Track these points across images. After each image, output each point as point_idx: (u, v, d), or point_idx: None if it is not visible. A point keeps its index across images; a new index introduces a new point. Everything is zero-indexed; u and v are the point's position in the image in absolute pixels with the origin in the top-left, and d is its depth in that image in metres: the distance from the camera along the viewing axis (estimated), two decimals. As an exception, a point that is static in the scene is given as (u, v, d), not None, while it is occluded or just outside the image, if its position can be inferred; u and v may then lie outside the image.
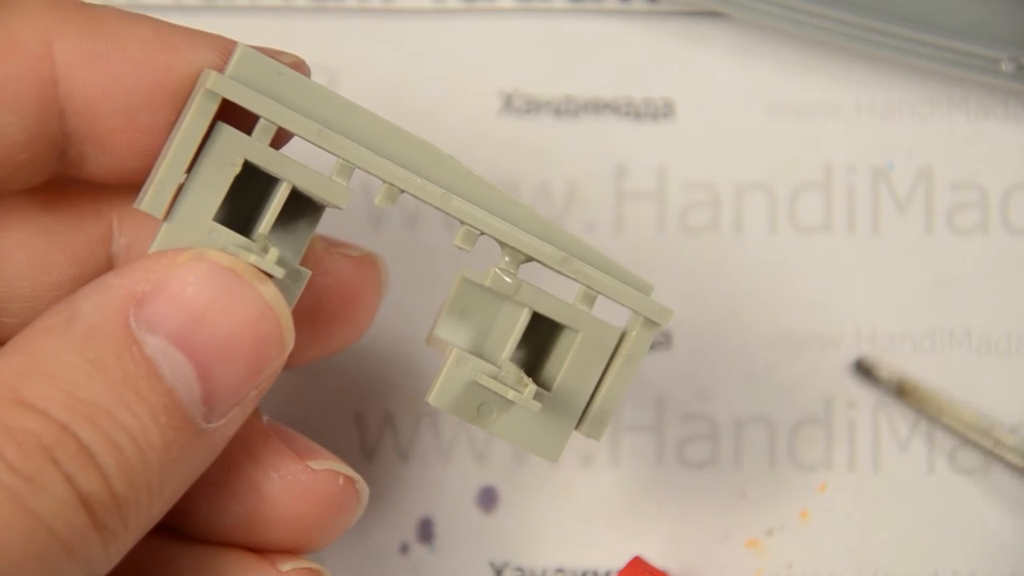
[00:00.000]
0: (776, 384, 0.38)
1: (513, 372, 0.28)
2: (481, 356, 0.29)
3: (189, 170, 0.27)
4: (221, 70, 0.28)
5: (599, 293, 0.29)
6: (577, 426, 0.30)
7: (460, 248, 0.29)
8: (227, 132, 0.27)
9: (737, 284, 0.39)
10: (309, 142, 0.28)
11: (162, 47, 0.28)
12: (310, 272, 0.29)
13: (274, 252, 0.27)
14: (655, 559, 0.38)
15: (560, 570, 0.38)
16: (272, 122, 0.27)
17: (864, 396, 0.38)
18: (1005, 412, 0.38)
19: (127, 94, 0.28)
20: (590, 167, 0.39)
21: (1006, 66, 0.37)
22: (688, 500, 0.38)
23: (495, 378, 0.28)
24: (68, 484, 0.24)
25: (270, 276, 0.27)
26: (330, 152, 0.28)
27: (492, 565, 0.38)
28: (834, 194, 0.39)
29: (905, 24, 0.37)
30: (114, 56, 0.28)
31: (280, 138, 0.28)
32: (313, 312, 0.31)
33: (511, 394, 0.28)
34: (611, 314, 0.30)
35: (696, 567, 0.38)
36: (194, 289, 0.26)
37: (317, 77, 0.41)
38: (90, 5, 0.28)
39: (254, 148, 0.27)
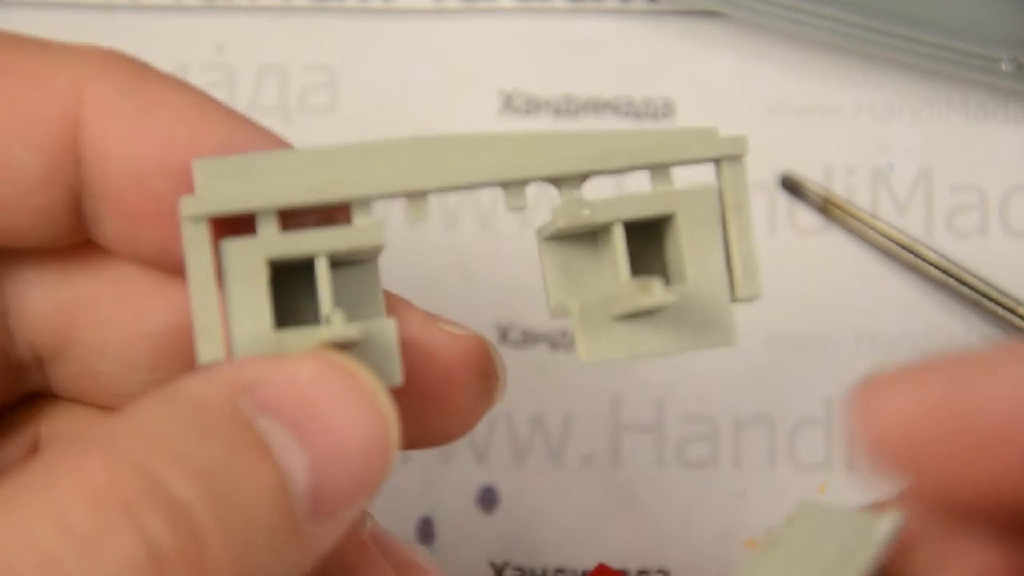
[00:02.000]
0: (776, 384, 0.38)
1: (633, 285, 0.26)
2: (603, 294, 0.27)
3: (222, 294, 0.26)
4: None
5: (666, 164, 0.27)
6: (733, 297, 0.27)
7: (515, 208, 0.27)
8: (234, 246, 0.26)
9: (737, 284, 0.39)
10: (306, 206, 0.26)
11: (189, 119, 0.27)
12: (392, 321, 0.27)
13: (350, 324, 0.25)
14: (655, 559, 0.38)
15: (560, 570, 0.38)
16: (265, 209, 0.26)
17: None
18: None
19: (141, 158, 0.26)
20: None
21: (1006, 66, 0.37)
22: (688, 500, 0.38)
23: (621, 301, 0.26)
24: (143, 544, 0.22)
25: (352, 345, 0.25)
26: (331, 203, 0.26)
27: (492, 565, 0.38)
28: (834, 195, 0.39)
29: (905, 24, 0.37)
30: (138, 114, 0.26)
31: (289, 216, 0.27)
32: (403, 396, 0.27)
33: (644, 301, 0.25)
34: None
35: (696, 567, 0.38)
36: (308, 381, 0.24)
37: (317, 77, 0.41)
38: (138, 61, 0.27)
39: (268, 244, 0.26)
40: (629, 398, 0.38)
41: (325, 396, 0.24)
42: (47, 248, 0.28)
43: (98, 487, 0.22)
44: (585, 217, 0.27)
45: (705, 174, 0.28)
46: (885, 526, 0.25)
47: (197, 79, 0.40)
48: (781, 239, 0.39)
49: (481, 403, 0.29)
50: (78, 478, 0.22)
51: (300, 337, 0.26)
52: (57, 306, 0.28)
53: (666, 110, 0.39)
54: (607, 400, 0.39)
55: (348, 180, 0.26)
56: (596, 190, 0.27)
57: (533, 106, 0.39)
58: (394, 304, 0.28)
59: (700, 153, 0.27)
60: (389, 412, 0.25)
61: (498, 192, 0.27)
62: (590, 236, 0.28)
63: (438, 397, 0.28)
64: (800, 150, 0.39)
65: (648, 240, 0.28)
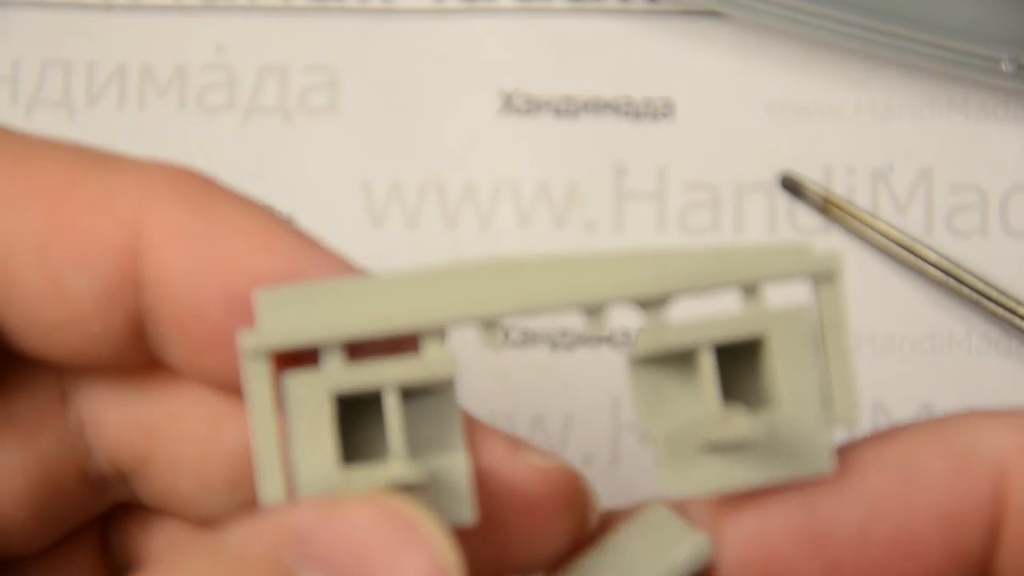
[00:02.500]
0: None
1: (720, 413, 0.25)
2: (689, 422, 0.26)
3: (283, 428, 0.25)
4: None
5: (756, 282, 0.25)
6: (832, 422, 0.26)
7: (595, 336, 0.27)
8: (297, 380, 0.24)
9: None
10: (371, 337, 0.25)
11: (253, 245, 0.25)
12: (465, 459, 0.25)
13: (414, 467, 0.24)
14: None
15: (560, 570, 0.38)
16: (328, 342, 0.25)
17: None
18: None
19: (201, 288, 0.25)
20: (590, 167, 0.39)
21: (1006, 66, 0.37)
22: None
23: (706, 433, 0.25)
24: None
25: (416, 488, 0.24)
26: (399, 333, 0.25)
27: (492, 565, 0.38)
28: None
29: (905, 24, 0.37)
30: (200, 241, 0.25)
31: (356, 345, 0.25)
32: (483, 530, 0.26)
33: (728, 436, 0.24)
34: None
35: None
36: (362, 531, 0.23)
37: (317, 77, 0.41)
38: (203, 178, 0.26)
39: (333, 378, 0.24)
40: (629, 398, 0.38)
41: (379, 547, 0.23)
42: (114, 367, 0.27)
43: None
44: (670, 342, 0.25)
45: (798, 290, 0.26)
46: (683, 551, 0.25)
47: (197, 79, 0.40)
48: (781, 239, 0.39)
49: (570, 536, 0.27)
50: None
51: (366, 476, 0.24)
52: (134, 421, 0.28)
53: (666, 110, 0.39)
54: (607, 400, 0.38)
55: (415, 308, 0.25)
56: (684, 308, 0.26)
57: (533, 106, 0.39)
58: (474, 431, 0.26)
59: (792, 271, 0.25)
60: (450, 561, 0.23)
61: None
62: (680, 357, 0.26)
63: (521, 531, 0.27)
64: (800, 150, 0.39)
65: (740, 358, 0.26)
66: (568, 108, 0.39)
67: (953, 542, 0.24)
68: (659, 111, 0.39)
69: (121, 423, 0.28)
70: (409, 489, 0.24)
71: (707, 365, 0.25)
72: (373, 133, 0.39)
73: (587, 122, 0.39)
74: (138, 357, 0.27)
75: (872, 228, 0.39)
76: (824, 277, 0.25)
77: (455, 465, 0.25)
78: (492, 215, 0.39)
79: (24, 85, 0.40)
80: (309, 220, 0.39)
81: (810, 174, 0.39)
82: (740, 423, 0.24)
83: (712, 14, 0.39)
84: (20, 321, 0.26)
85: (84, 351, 0.26)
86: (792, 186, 0.39)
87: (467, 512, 0.25)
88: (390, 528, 0.23)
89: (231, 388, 0.26)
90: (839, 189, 0.39)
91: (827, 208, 0.39)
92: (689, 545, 0.25)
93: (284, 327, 0.24)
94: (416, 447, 0.25)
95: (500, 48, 0.39)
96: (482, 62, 0.39)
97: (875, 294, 0.39)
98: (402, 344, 0.25)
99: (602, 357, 0.38)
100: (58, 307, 0.25)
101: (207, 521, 0.28)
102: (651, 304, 0.25)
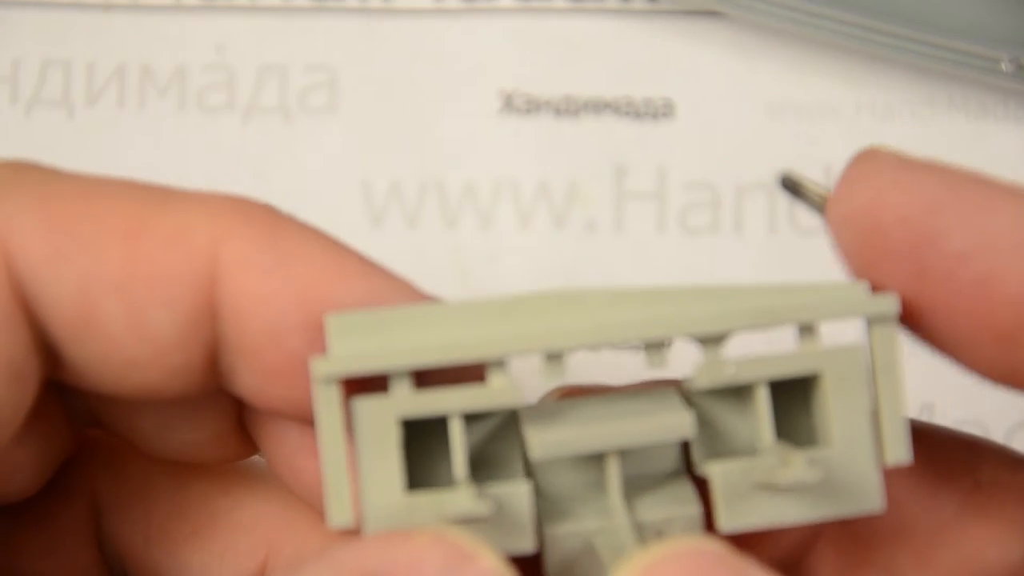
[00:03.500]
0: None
1: (776, 451, 0.25)
2: (744, 461, 0.26)
3: (352, 455, 0.25)
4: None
5: (812, 320, 0.26)
6: (882, 462, 0.26)
7: (656, 367, 0.26)
8: (366, 406, 0.25)
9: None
10: (439, 366, 0.25)
11: (327, 274, 0.26)
12: (527, 485, 0.26)
13: (480, 500, 0.24)
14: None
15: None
16: (397, 370, 0.25)
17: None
18: (996, 422, 0.38)
19: (278, 315, 0.26)
20: (590, 167, 0.39)
21: (1006, 66, 0.37)
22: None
23: (762, 473, 0.25)
24: None
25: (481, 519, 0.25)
26: (466, 363, 0.25)
27: (492, 565, 0.38)
28: (834, 194, 0.39)
29: (905, 24, 0.37)
30: (275, 269, 0.26)
31: (422, 376, 0.26)
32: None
33: (784, 479, 0.25)
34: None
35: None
36: (433, 570, 0.23)
37: (317, 77, 0.41)
38: (272, 209, 0.27)
39: (401, 404, 0.25)
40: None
41: None
42: (182, 399, 0.27)
43: None
44: (728, 377, 0.26)
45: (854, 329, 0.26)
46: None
47: (197, 79, 0.40)
48: (781, 239, 0.39)
49: None
50: None
51: (433, 506, 0.25)
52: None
53: (666, 110, 0.39)
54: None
55: (483, 339, 0.25)
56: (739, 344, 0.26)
57: (533, 106, 0.39)
58: None
59: (848, 313, 0.26)
60: None
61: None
62: (736, 391, 0.27)
63: None
64: (800, 150, 0.39)
65: (796, 396, 0.27)
66: (568, 108, 0.39)
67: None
68: (659, 111, 0.39)
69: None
70: (474, 519, 0.24)
71: (763, 401, 0.26)
72: (373, 133, 0.39)
73: (587, 122, 0.39)
74: (208, 389, 0.27)
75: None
76: (878, 319, 0.26)
77: (517, 493, 0.25)
78: (492, 215, 0.39)
79: (24, 85, 0.40)
80: (309, 220, 0.39)
81: (810, 174, 0.39)
82: (798, 467, 0.24)
83: (712, 14, 0.39)
84: (99, 360, 0.26)
85: (159, 385, 0.26)
86: (792, 186, 0.39)
87: (527, 541, 0.25)
88: (447, 554, 0.23)
89: (301, 416, 0.26)
90: (839, 189, 0.39)
91: (827, 208, 0.39)
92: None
93: (354, 354, 0.25)
94: (479, 473, 0.26)
95: (500, 48, 0.39)
96: (482, 62, 0.39)
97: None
98: (468, 371, 0.25)
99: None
100: (140, 344, 0.26)
101: (169, 455, 0.29)
102: (711, 340, 0.26)
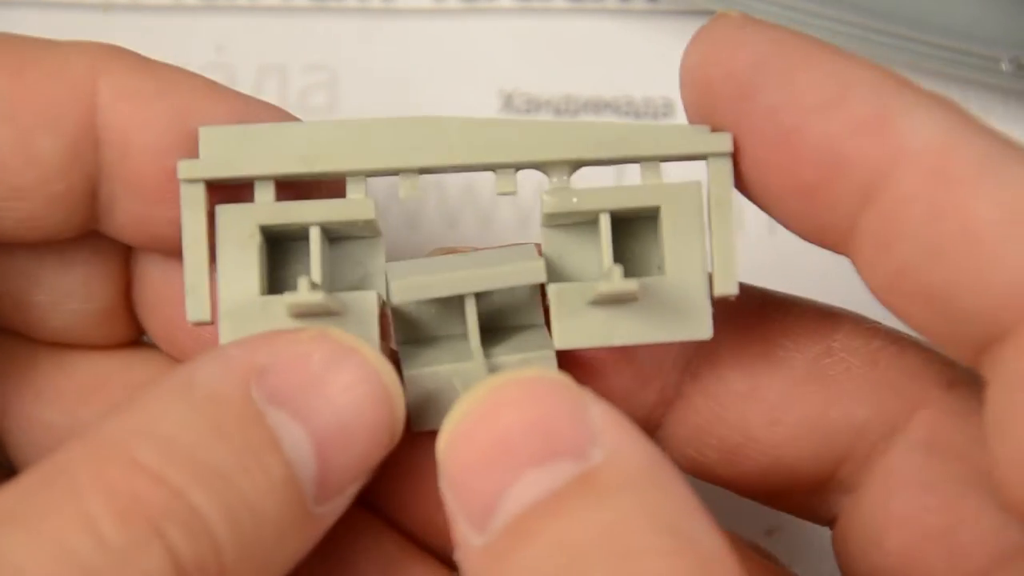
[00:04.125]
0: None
1: (606, 272, 0.27)
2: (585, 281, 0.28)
3: (214, 260, 0.27)
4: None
5: (654, 159, 0.27)
6: (712, 292, 0.28)
7: (504, 193, 0.28)
8: (228, 210, 0.27)
9: (737, 284, 0.39)
10: (301, 177, 0.27)
11: (209, 98, 0.28)
12: (375, 294, 0.27)
13: (315, 292, 0.26)
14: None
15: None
16: (258, 177, 0.27)
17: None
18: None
19: (161, 133, 0.27)
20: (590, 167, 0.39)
21: (1006, 66, 0.37)
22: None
23: (592, 288, 0.27)
24: (169, 556, 0.22)
25: (334, 314, 0.27)
26: (327, 175, 0.27)
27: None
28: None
29: (905, 24, 0.37)
30: (156, 96, 0.27)
31: (288, 189, 0.28)
32: None
33: (603, 287, 0.26)
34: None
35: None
36: (318, 366, 0.25)
37: (317, 77, 0.41)
38: (138, 54, 0.28)
39: (261, 212, 0.27)
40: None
41: (334, 379, 0.25)
42: (55, 239, 0.29)
43: (124, 499, 0.23)
44: (572, 205, 0.27)
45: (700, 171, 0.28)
46: None
47: (197, 79, 0.40)
48: (781, 238, 0.39)
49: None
50: (102, 488, 0.23)
51: (280, 304, 0.26)
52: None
53: (666, 110, 0.39)
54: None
55: (343, 154, 0.27)
56: (595, 181, 0.28)
57: (533, 106, 0.39)
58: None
59: (687, 149, 0.27)
60: (394, 385, 0.26)
61: (502, 200, 0.27)
62: (589, 225, 0.28)
63: None
64: (800, 150, 0.39)
65: (646, 233, 0.28)
66: (568, 108, 0.39)
67: None
68: (659, 111, 0.39)
69: None
70: (328, 317, 0.26)
71: (605, 228, 0.27)
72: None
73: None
74: (81, 228, 0.28)
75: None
76: (715, 156, 0.27)
77: (366, 298, 0.27)
78: (492, 215, 0.39)
79: (24, 85, 0.40)
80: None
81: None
82: (615, 276, 0.26)
83: (711, 14, 0.39)
84: None
85: (39, 218, 0.28)
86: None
87: (374, 339, 0.27)
88: (343, 362, 0.25)
89: (174, 250, 0.28)
90: (839, 189, 0.39)
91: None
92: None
93: (221, 161, 0.27)
94: (342, 287, 0.28)
95: (500, 48, 0.39)
96: (482, 62, 0.39)
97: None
98: (330, 189, 0.28)
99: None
100: (27, 170, 0.27)
101: (58, 337, 0.30)
102: (557, 170, 0.28)
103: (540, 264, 0.27)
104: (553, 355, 0.28)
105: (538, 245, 0.28)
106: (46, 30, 0.41)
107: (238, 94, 0.28)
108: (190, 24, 0.40)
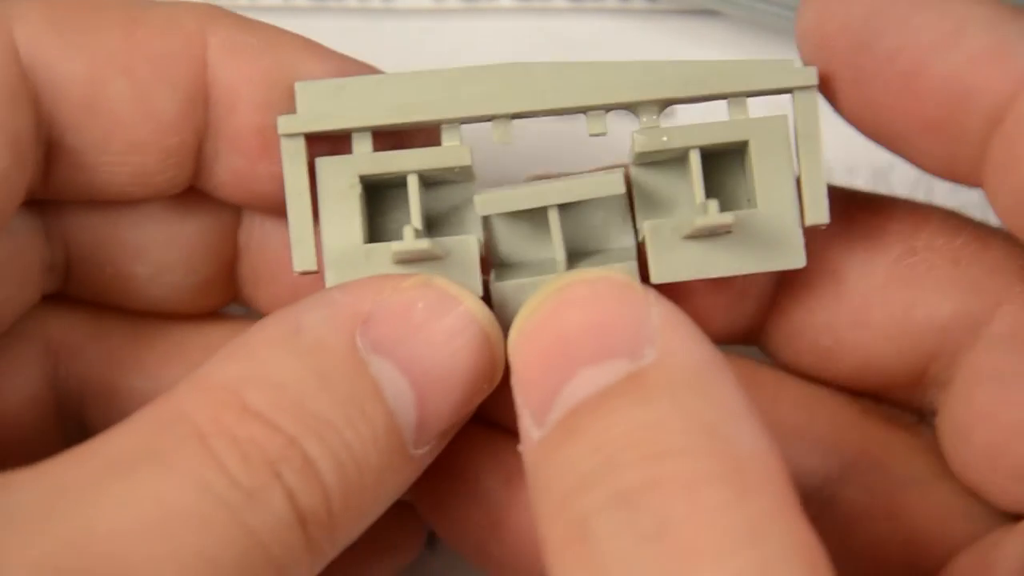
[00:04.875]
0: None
1: (701, 207, 0.27)
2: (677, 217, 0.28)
3: (316, 213, 0.28)
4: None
5: (741, 94, 0.28)
6: (802, 222, 0.28)
7: (596, 135, 0.28)
8: (328, 163, 0.28)
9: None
10: (396, 128, 0.28)
11: (310, 55, 0.28)
12: (473, 237, 0.28)
13: (421, 240, 0.27)
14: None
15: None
16: (355, 128, 0.28)
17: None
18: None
19: (267, 90, 0.28)
20: (590, 167, 0.39)
21: None
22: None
23: (690, 224, 0.27)
24: (289, 501, 0.24)
25: (434, 258, 0.27)
26: (422, 124, 0.28)
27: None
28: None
29: (907, 23, 0.38)
30: (263, 52, 0.28)
31: (383, 141, 0.28)
32: None
33: (699, 221, 0.27)
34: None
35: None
36: (422, 315, 0.26)
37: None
38: (246, 17, 0.29)
39: (360, 162, 0.28)
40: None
41: (436, 327, 0.26)
42: (161, 196, 0.29)
43: (245, 443, 0.23)
44: (663, 143, 0.28)
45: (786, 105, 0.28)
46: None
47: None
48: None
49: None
50: (222, 432, 0.23)
51: (384, 251, 0.27)
52: (97, 208, 0.30)
53: (666, 110, 0.39)
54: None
55: (437, 103, 0.28)
56: (683, 118, 0.29)
57: (534, 106, 0.39)
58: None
59: (773, 84, 0.28)
60: (496, 333, 0.27)
61: (591, 130, 0.28)
62: (678, 162, 0.29)
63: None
64: (801, 150, 0.39)
65: (731, 167, 0.29)
66: (568, 108, 0.39)
67: None
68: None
69: (84, 208, 0.30)
70: (430, 262, 0.27)
71: (695, 164, 0.28)
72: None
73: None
74: (186, 182, 0.29)
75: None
76: (801, 90, 0.28)
77: (467, 241, 0.28)
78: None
79: (17, 87, 0.40)
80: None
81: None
82: (712, 209, 0.26)
83: (711, 14, 0.39)
84: (101, 143, 0.28)
85: (152, 173, 0.28)
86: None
87: (476, 286, 0.28)
88: (435, 300, 0.26)
89: (273, 202, 0.28)
90: (840, 189, 0.39)
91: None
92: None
93: (319, 115, 0.28)
94: (438, 231, 0.29)
95: (500, 48, 0.39)
96: (482, 62, 0.39)
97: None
98: (425, 138, 0.28)
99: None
100: (144, 123, 0.28)
101: (152, 307, 0.31)
102: (646, 109, 0.28)
103: (619, 176, 0.28)
104: (635, 265, 0.28)
105: (626, 167, 0.29)
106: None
107: (336, 53, 0.29)
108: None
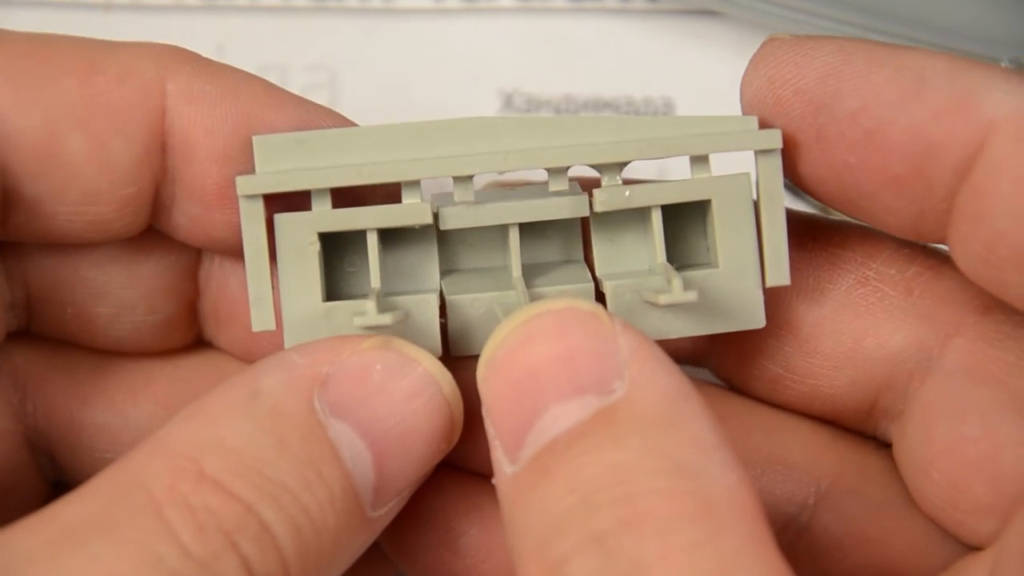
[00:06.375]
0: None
1: (663, 272, 0.27)
2: (637, 275, 0.28)
3: (275, 268, 0.27)
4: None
5: (703, 152, 0.28)
6: (764, 282, 0.28)
7: (558, 193, 0.28)
8: (287, 220, 0.27)
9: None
10: (356, 186, 0.28)
11: (270, 104, 0.28)
12: (433, 296, 0.28)
13: (384, 315, 0.26)
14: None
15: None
16: (315, 188, 0.27)
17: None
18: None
19: (225, 140, 0.27)
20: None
21: (1006, 66, 0.37)
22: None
23: (649, 292, 0.28)
24: (245, 570, 0.23)
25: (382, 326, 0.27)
26: (380, 183, 0.28)
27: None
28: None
29: (905, 24, 0.37)
30: (221, 100, 0.28)
31: (342, 194, 0.28)
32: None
33: (662, 300, 0.27)
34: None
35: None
36: (380, 376, 0.26)
37: (317, 77, 0.41)
38: (201, 56, 0.28)
39: (319, 219, 0.27)
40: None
41: (395, 390, 0.26)
42: (118, 240, 0.29)
43: (200, 512, 0.23)
44: (625, 201, 0.28)
45: (745, 161, 0.28)
46: None
47: (197, 79, 0.40)
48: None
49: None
50: (178, 500, 0.23)
51: (347, 311, 0.27)
52: (57, 249, 0.29)
53: (666, 109, 0.39)
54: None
55: (398, 163, 0.27)
56: (639, 172, 0.28)
57: (533, 106, 0.39)
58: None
59: (735, 145, 0.28)
60: (454, 396, 0.26)
61: (553, 188, 0.28)
62: (637, 214, 0.28)
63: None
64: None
65: (691, 219, 0.29)
66: (568, 107, 0.39)
67: None
68: (659, 110, 0.39)
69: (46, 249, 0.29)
70: (388, 328, 0.27)
71: (657, 223, 0.28)
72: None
73: (587, 122, 0.39)
74: (143, 226, 0.29)
75: (872, 227, 0.39)
76: (764, 151, 0.28)
77: (427, 301, 0.28)
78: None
79: (24, 85, 0.40)
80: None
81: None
82: (676, 289, 0.26)
83: (711, 13, 0.39)
84: (58, 194, 0.27)
85: (107, 221, 0.28)
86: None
87: (435, 346, 0.27)
88: (394, 362, 0.26)
89: (230, 246, 0.28)
90: (839, 189, 0.39)
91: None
92: None
93: (278, 174, 0.27)
94: (396, 285, 0.28)
95: (500, 48, 0.39)
96: (482, 62, 0.39)
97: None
98: (385, 193, 0.28)
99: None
100: (100, 174, 0.27)
101: (115, 346, 0.30)
102: (609, 168, 0.28)
103: (583, 198, 0.28)
104: (592, 287, 0.28)
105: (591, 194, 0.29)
106: (46, 30, 0.41)
107: (297, 98, 0.28)
108: (190, 24, 0.40)
